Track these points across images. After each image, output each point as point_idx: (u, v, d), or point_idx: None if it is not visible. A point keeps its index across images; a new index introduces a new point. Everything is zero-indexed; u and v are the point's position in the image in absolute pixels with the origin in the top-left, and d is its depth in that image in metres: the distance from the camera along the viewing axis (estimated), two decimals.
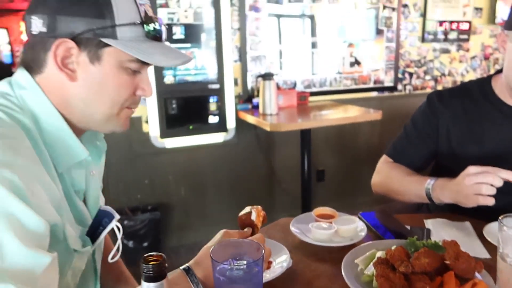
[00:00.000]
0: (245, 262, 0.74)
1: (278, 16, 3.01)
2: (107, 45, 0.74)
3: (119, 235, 0.82)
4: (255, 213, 0.92)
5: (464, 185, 1.05)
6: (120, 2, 0.74)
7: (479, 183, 1.02)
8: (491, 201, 1.02)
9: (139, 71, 0.80)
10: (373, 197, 1.58)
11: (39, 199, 0.64)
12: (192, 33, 2.78)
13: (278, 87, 2.93)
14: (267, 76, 2.69)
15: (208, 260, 0.75)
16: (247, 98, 2.94)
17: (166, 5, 2.67)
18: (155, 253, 0.54)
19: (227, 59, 2.86)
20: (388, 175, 1.36)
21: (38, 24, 0.73)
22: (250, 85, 2.97)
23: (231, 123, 2.93)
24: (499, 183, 1.01)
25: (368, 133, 3.34)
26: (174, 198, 2.94)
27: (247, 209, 0.94)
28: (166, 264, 0.53)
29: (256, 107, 2.81)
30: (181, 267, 0.78)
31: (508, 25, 1.14)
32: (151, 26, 0.78)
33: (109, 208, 0.86)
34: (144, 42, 0.77)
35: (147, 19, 0.78)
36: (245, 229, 0.90)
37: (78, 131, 0.81)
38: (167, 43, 0.84)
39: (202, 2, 2.76)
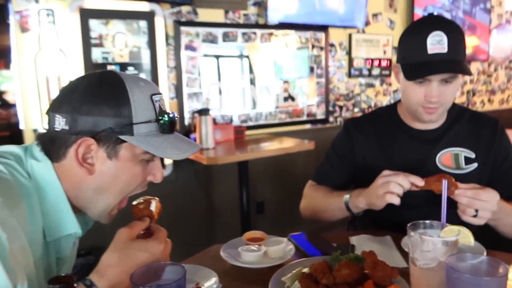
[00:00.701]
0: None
1: (217, 57, 3.11)
2: (124, 140, 0.80)
3: None
4: (155, 203, 0.89)
5: (377, 185, 1.15)
6: (138, 102, 0.80)
7: (389, 181, 1.12)
8: (396, 200, 1.11)
9: (152, 160, 0.85)
10: (313, 226, 1.63)
11: (16, 262, 0.66)
12: (127, 72, 2.78)
13: (215, 122, 2.99)
14: (203, 112, 2.74)
15: (111, 269, 0.74)
16: (184, 133, 2.94)
17: (100, 45, 2.67)
18: (63, 274, 0.53)
19: (164, 97, 2.88)
20: (312, 196, 1.43)
21: (61, 122, 0.78)
22: (187, 121, 2.99)
23: (169, 159, 2.92)
24: (407, 185, 1.11)
25: (303, 164, 3.46)
26: (110, 240, 2.81)
27: (141, 199, 0.90)
28: (75, 285, 0.52)
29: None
30: (82, 282, 0.74)
31: (398, 58, 1.30)
32: (164, 122, 0.83)
33: None
34: (157, 136, 0.83)
35: (161, 114, 0.83)
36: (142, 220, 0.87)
37: (75, 208, 0.85)
38: (176, 133, 0.90)
39: (138, 42, 2.79)
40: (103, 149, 0.79)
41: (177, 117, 0.88)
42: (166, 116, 0.84)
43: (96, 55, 2.66)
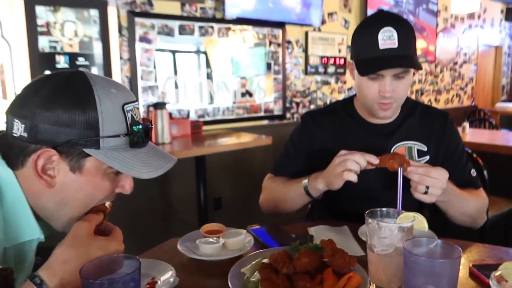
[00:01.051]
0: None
1: (173, 52, 3.03)
2: (89, 154, 0.73)
3: None
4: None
5: (334, 164, 1.17)
6: (107, 114, 0.72)
7: (346, 159, 1.14)
8: (354, 177, 1.14)
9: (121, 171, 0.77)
10: (271, 222, 1.62)
11: None
12: (77, 63, 2.65)
13: (172, 117, 2.92)
14: (159, 106, 2.66)
15: (66, 266, 0.69)
16: None
17: (47, 33, 2.52)
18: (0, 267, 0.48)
19: None
20: (271, 187, 1.43)
21: (20, 128, 0.71)
22: (142, 115, 2.89)
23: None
24: (363, 163, 1.14)
25: (261, 159, 3.47)
26: (59, 240, 2.66)
27: None
28: (14, 277, 0.46)
29: None
30: (30, 278, 0.67)
31: (352, 55, 1.33)
32: (135, 135, 0.76)
33: None
34: (126, 150, 0.75)
35: (133, 124, 0.76)
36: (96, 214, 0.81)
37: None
38: (150, 144, 0.82)
39: (89, 32, 2.66)
40: (66, 161, 0.72)
41: (151, 126, 0.81)
42: (138, 127, 0.76)
43: (43, 43, 2.51)
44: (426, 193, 1.11)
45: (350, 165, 1.13)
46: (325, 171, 1.22)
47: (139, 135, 0.77)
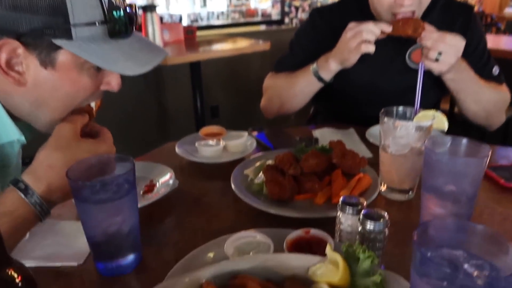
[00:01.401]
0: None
1: None
2: (60, 46, 0.61)
3: None
4: None
5: (346, 39, 1.08)
6: None
7: (360, 31, 1.05)
8: (372, 48, 1.05)
9: None
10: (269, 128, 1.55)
11: None
12: None
13: (162, 22, 2.70)
14: (148, 8, 2.44)
15: (52, 171, 0.62)
16: None
17: None
18: None
19: None
20: (275, 84, 1.33)
21: None
22: None
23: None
24: (377, 31, 1.05)
25: (259, 66, 3.32)
26: None
27: None
28: None
29: None
30: (13, 183, 0.61)
31: None
32: (116, 23, 0.63)
33: None
34: (106, 42, 0.63)
35: (111, 9, 0.62)
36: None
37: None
38: (135, 34, 0.68)
39: None
40: (34, 55, 0.61)
41: (135, 12, 0.67)
42: (118, 13, 0.63)
43: None
44: (437, 60, 1.01)
45: (366, 35, 1.04)
46: (336, 48, 1.12)
47: (120, 22, 0.64)
